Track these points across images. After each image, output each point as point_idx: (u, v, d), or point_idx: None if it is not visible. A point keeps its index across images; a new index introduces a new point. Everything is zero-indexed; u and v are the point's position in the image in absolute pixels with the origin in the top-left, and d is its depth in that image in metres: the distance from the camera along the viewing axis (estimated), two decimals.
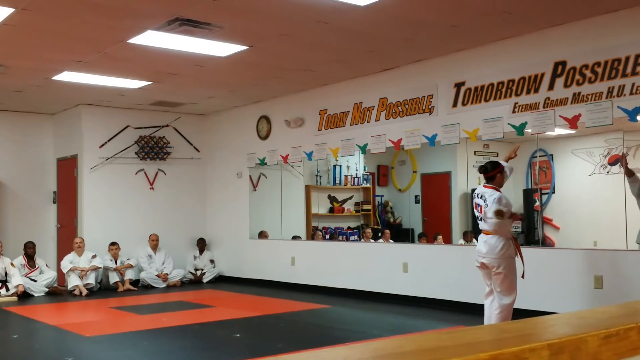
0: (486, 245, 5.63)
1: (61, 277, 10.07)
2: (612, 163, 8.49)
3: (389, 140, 8.28)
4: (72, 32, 6.53)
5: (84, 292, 9.53)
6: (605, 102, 6.14)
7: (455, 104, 7.54)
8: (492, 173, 5.75)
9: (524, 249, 7.08)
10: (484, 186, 5.76)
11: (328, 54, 7.56)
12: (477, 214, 5.76)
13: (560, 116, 6.52)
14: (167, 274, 10.61)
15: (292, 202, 10.47)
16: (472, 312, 6.12)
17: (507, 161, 5.94)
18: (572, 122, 6.42)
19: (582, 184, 9.02)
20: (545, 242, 8.42)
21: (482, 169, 5.84)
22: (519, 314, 6.69)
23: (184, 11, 5.95)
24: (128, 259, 10.41)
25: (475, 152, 8.98)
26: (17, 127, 10.93)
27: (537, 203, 8.96)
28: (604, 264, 6.23)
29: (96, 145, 10.52)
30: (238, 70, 8.22)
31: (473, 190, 6.02)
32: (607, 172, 8.55)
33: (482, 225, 5.73)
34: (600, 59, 6.21)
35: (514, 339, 1.12)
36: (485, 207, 5.61)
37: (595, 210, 8.71)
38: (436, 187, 10.22)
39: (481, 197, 5.69)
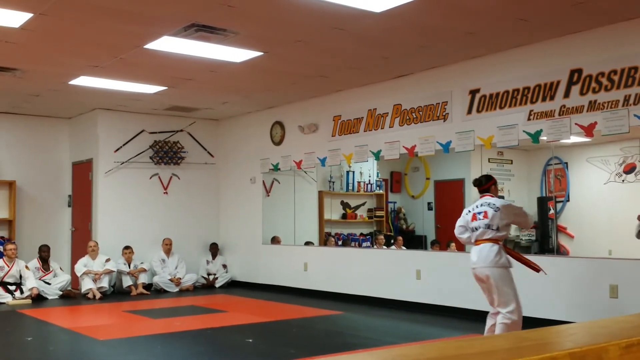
0: (480, 253, 5.51)
1: (75, 280, 10.13)
2: (627, 171, 8.44)
3: (403, 146, 8.28)
4: (89, 37, 6.59)
5: (98, 295, 9.58)
6: (622, 110, 6.11)
7: (470, 111, 7.52)
8: (487, 185, 5.75)
9: (538, 257, 7.08)
10: (487, 195, 5.68)
11: (343, 60, 7.58)
12: (476, 224, 5.55)
13: (576, 124, 6.48)
14: (180, 279, 10.64)
15: (305, 208, 10.47)
16: (485, 320, 6.08)
17: None
18: (588, 130, 6.39)
19: (597, 192, 8.96)
20: (560, 251, 8.38)
21: (477, 182, 5.81)
22: (533, 322, 6.65)
23: (200, 17, 5.99)
24: (141, 262, 10.46)
25: (489, 159, 8.96)
26: (34, 131, 11.03)
27: (552, 211, 8.92)
28: (619, 273, 6.19)
29: (111, 149, 10.59)
30: (253, 76, 8.25)
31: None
32: (623, 181, 8.49)
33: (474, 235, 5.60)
34: (616, 67, 6.18)
35: (535, 347, 1.12)
36: (494, 212, 5.49)
37: (610, 218, 8.65)
38: (449, 194, 10.20)
39: (483, 205, 5.58)
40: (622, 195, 8.49)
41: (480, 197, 5.72)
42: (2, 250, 9.77)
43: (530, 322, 6.69)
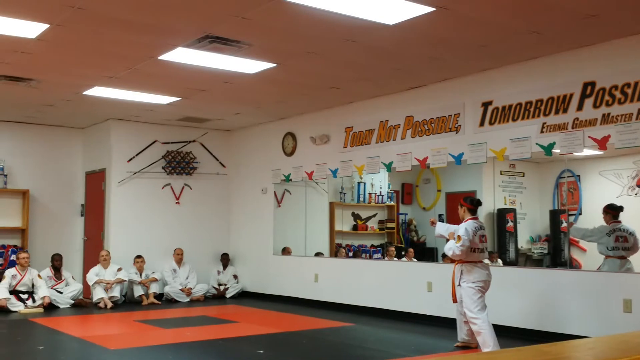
0: (490, 271, 6.31)
1: (87, 289, 10.17)
2: None
3: (415, 158, 8.27)
4: (104, 48, 6.65)
5: (109, 304, 9.61)
6: (635, 124, 6.08)
7: (482, 123, 7.51)
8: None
9: (550, 271, 7.06)
10: (477, 218, 6.36)
11: (355, 72, 7.60)
12: (482, 246, 6.22)
13: (589, 137, 6.46)
14: (191, 289, 10.65)
15: (315, 219, 10.47)
16: (496, 333, 6.05)
17: None
18: (602, 143, 6.36)
19: None
20: (572, 264, 8.31)
21: (479, 203, 6.45)
22: (545, 336, 6.61)
23: (214, 29, 6.04)
24: (153, 272, 10.48)
25: (501, 171, 8.93)
26: (48, 141, 11.12)
27: (564, 224, 8.86)
28: (633, 287, 6.13)
29: (124, 159, 10.65)
30: (265, 87, 8.29)
31: (478, 226, 6.39)
32: (636, 194, 8.43)
33: (483, 255, 6.27)
34: (630, 80, 6.16)
35: None
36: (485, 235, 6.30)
37: None
38: None
39: (482, 228, 6.27)
40: (635, 208, 8.42)
41: (474, 219, 6.30)
42: (15, 258, 9.82)
43: (543, 336, 6.65)
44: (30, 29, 6.05)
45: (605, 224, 7.16)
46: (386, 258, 9.95)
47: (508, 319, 7.01)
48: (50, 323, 8.23)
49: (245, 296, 11.06)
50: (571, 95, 6.64)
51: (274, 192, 10.76)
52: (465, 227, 6.14)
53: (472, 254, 6.14)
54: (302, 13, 5.60)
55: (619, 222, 7.06)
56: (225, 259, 11.33)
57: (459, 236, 6.09)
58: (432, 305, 7.97)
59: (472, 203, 6.36)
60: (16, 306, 9.18)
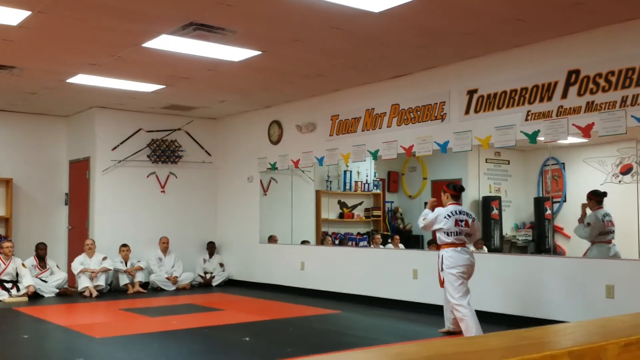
0: (472, 255, 6.25)
1: (72, 278, 10.12)
2: (624, 172, 8.45)
3: (401, 146, 8.28)
4: (87, 35, 6.59)
5: (94, 293, 9.57)
6: (619, 111, 6.12)
7: (467, 111, 7.53)
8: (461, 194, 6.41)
9: (534, 257, 7.10)
10: (459, 204, 6.31)
11: (341, 59, 7.58)
12: (459, 229, 6.14)
13: (573, 125, 6.50)
14: (177, 277, 10.64)
15: (302, 207, 10.47)
16: (481, 319, 6.10)
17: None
18: (585, 131, 6.40)
19: None
20: (556, 251, 8.39)
21: (462, 189, 6.44)
22: (529, 322, 6.67)
23: (199, 16, 5.99)
24: (138, 261, 10.45)
25: (486, 159, 8.97)
26: (31, 129, 11.01)
27: (548, 211, 8.93)
28: (615, 273, 6.20)
29: (109, 147, 10.58)
30: (251, 75, 8.25)
31: (455, 210, 6.32)
32: (619, 182, 8.50)
33: (461, 239, 6.17)
34: (614, 68, 6.19)
35: (534, 345, 1.13)
36: (471, 222, 6.19)
37: None
38: None
39: (461, 213, 6.19)
40: (619, 196, 8.50)
41: (456, 204, 6.27)
42: None
43: (527, 322, 6.72)
44: (12, 15, 5.97)
45: (589, 210, 7.23)
46: (372, 246, 9.98)
47: (492, 306, 7.07)
48: (35, 312, 8.19)
49: (231, 284, 11.06)
50: (556, 83, 6.67)
51: (260, 180, 10.75)
52: (438, 211, 6.25)
53: (447, 237, 6.18)
54: (287, 0, 5.57)
55: (602, 207, 7.14)
56: (211, 248, 11.32)
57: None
58: (418, 292, 8.02)
59: (455, 189, 6.37)
60: (0, 295, 9.12)
